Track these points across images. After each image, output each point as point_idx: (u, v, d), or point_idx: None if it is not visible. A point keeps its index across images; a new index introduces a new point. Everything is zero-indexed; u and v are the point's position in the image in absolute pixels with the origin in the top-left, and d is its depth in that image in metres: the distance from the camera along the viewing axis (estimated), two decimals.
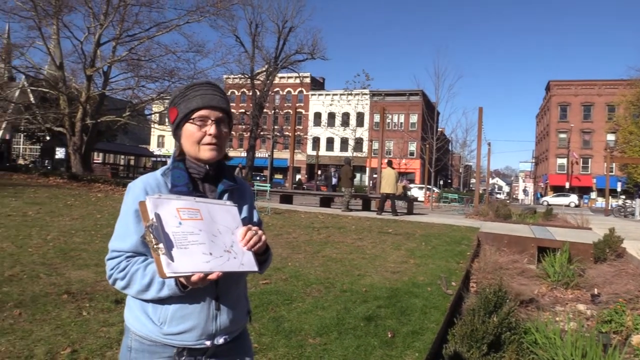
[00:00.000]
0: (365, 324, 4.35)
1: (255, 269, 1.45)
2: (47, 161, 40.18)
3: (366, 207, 19.41)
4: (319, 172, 52.26)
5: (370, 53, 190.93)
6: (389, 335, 4.10)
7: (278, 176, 61.92)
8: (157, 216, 1.33)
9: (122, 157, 62.05)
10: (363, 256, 7.77)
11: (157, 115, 29.83)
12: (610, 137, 61.34)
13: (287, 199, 19.96)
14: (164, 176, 1.56)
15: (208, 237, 1.38)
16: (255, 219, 1.71)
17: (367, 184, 45.96)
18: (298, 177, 61.10)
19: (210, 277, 1.33)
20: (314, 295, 5.19)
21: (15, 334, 3.47)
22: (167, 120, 1.63)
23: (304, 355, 3.57)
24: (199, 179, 1.59)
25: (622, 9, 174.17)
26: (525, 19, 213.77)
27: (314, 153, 56.26)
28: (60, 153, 38.77)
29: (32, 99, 30.54)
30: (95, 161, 44.34)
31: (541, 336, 4.48)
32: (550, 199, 57.64)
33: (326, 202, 19.73)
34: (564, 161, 67.00)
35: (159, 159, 68.11)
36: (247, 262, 1.43)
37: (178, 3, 26.94)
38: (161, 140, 74.48)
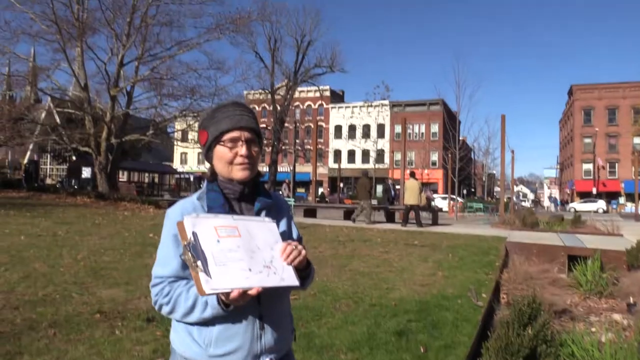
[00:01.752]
0: (397, 339, 4.30)
1: (297, 283, 1.44)
2: (73, 181, 41.00)
3: (390, 219, 19.30)
4: (342, 184, 52.24)
5: (389, 64, 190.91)
6: (422, 350, 4.05)
7: (300, 190, 62.04)
8: (195, 235, 1.33)
9: (147, 174, 62.85)
10: (390, 269, 7.70)
11: (180, 132, 30.24)
12: (637, 140, 60.02)
13: (311, 212, 19.96)
14: (200, 200, 1.57)
15: (247, 254, 1.38)
16: (294, 234, 1.71)
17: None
18: (320, 190, 61.09)
19: (250, 292, 1.32)
20: (344, 310, 5.15)
21: (51, 354, 3.51)
22: (197, 142, 1.67)
23: None
24: (235, 199, 1.61)
25: None
26: (544, 22, 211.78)
27: (336, 166, 56.32)
28: (86, 172, 39.53)
29: (58, 120, 31.29)
30: (120, 180, 45.06)
31: (578, 348, 4.37)
32: (577, 205, 56.50)
33: (350, 215, 19.66)
34: (589, 166, 65.76)
35: (182, 176, 68.92)
36: (287, 277, 1.42)
37: (198, 22, 27.50)
38: (184, 157, 75.40)
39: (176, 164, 73.89)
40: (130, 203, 17.64)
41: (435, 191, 54.41)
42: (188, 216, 1.37)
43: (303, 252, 1.50)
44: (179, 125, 29.51)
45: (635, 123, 59.76)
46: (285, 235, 1.62)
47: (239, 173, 1.57)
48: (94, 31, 22.93)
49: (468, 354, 4.03)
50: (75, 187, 31.70)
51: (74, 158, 40.38)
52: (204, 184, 1.63)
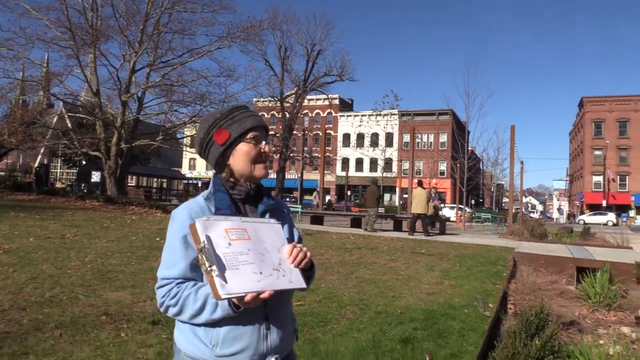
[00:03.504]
0: (402, 347, 4.27)
1: (304, 285, 1.47)
2: (83, 184, 41.21)
3: (397, 227, 19.24)
4: (349, 192, 52.18)
5: (398, 73, 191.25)
6: (427, 359, 4.02)
7: (308, 197, 62.08)
8: (208, 238, 1.34)
9: (155, 180, 63.18)
10: (397, 277, 7.67)
11: (189, 138, 30.36)
12: None
13: (317, 220, 19.94)
14: (207, 200, 1.58)
15: (257, 257, 1.40)
16: (295, 237, 1.73)
17: (397, 204, 45.61)
18: (328, 197, 61.02)
19: (262, 296, 1.35)
20: (349, 317, 5.13)
21: (56, 355, 3.52)
22: (208, 143, 1.62)
23: None
24: (240, 200, 1.62)
25: None
26: (555, 34, 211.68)
27: (344, 174, 56.33)
28: (95, 177, 39.75)
29: (69, 124, 31.53)
30: (129, 184, 45.26)
31: None
32: (587, 217, 56.13)
33: (357, 222, 19.64)
34: (600, 179, 65.28)
35: (190, 181, 69.20)
36: (295, 280, 1.45)
37: (209, 30, 27.38)
38: (192, 163, 75.74)
39: (184, 170, 74.22)
40: (138, 207, 17.69)
41: (444, 201, 54.21)
42: (200, 219, 1.38)
43: (308, 254, 1.53)
44: (188, 131, 29.61)
45: None
46: (288, 239, 1.63)
47: (261, 171, 1.62)
48: (107, 38, 23.05)
49: None
50: (85, 190, 31.85)
51: (83, 162, 40.61)
52: (211, 184, 1.63)
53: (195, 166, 75.66)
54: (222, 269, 1.31)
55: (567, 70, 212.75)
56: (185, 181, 68.71)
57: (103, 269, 6.68)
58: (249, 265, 1.37)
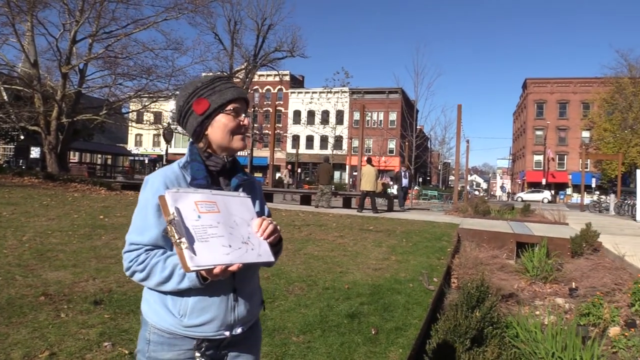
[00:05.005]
0: (349, 321, 4.34)
1: (272, 259, 1.50)
2: (21, 161, 39.42)
3: (347, 204, 19.44)
4: (299, 170, 52.22)
5: (350, 51, 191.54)
6: (373, 332, 4.10)
7: (258, 174, 61.67)
8: (178, 210, 1.35)
9: (99, 156, 61.07)
10: (345, 253, 7.76)
11: (135, 113, 29.40)
12: (585, 134, 62.38)
13: (267, 197, 19.84)
14: (182, 169, 1.57)
15: (226, 230, 1.42)
16: (265, 212, 1.75)
17: (347, 181, 46.02)
18: (278, 175, 60.92)
19: (230, 268, 1.37)
20: (297, 293, 5.16)
21: None
22: (187, 112, 1.60)
23: (288, 354, 3.55)
24: (215, 172, 1.62)
25: (597, 9, 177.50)
26: (503, 17, 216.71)
27: (294, 151, 56.17)
28: (35, 152, 38.04)
29: (5, 97, 29.84)
30: (71, 161, 43.62)
31: (522, 330, 4.53)
32: (524, 195, 58.74)
33: (306, 200, 19.72)
34: (540, 158, 67.95)
35: (136, 158, 67.34)
36: (264, 253, 1.48)
37: (155, 0, 26.49)
38: (139, 139, 73.57)
39: (130, 146, 72.03)
40: (81, 184, 17.08)
41: (413, 179, 55.11)
42: (169, 191, 1.38)
43: (278, 227, 1.56)
44: (134, 106, 28.68)
45: (584, 117, 62.04)
46: (259, 214, 1.66)
47: (239, 143, 1.62)
48: (45, 5, 21.82)
49: (418, 336, 4.11)
50: (23, 167, 30.43)
51: (22, 137, 38.70)
52: (187, 152, 1.61)
53: (141, 142, 73.56)
54: (191, 241, 1.32)
55: (513, 52, 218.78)
56: (131, 157, 66.78)
57: (42, 248, 6.43)
58: (218, 238, 1.38)
